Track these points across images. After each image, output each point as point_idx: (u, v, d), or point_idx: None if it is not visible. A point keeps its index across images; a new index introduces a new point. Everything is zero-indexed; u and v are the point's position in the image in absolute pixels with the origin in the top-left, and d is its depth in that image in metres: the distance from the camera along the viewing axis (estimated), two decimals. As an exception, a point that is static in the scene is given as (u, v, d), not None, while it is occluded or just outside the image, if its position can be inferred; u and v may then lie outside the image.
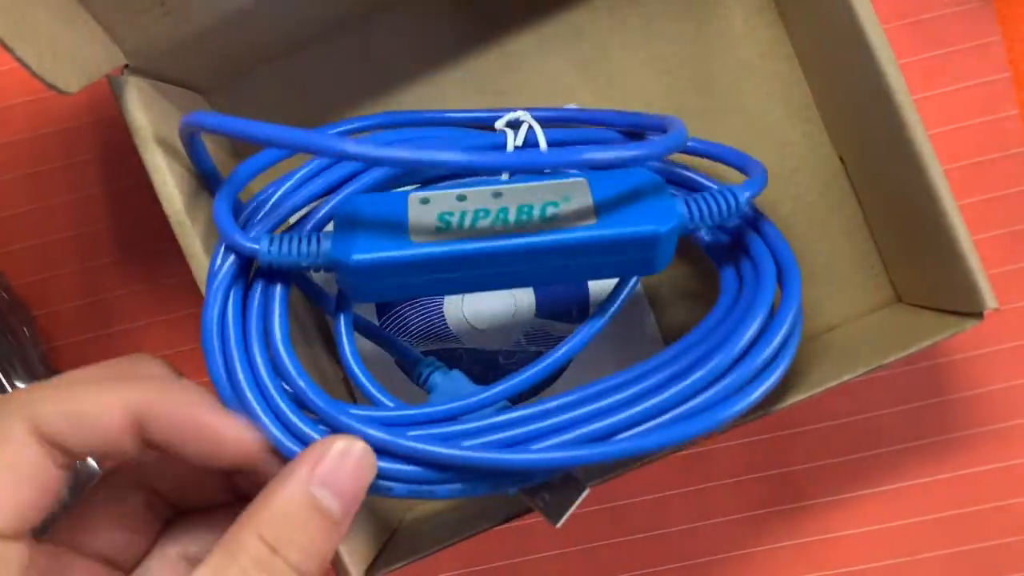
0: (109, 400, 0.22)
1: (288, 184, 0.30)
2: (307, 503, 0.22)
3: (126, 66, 0.30)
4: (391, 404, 0.28)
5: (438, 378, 0.30)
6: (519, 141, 0.33)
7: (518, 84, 0.36)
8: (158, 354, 0.29)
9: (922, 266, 0.33)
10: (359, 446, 0.24)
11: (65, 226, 0.39)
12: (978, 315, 0.30)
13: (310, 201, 0.31)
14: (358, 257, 0.26)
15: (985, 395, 0.37)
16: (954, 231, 0.29)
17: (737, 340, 0.27)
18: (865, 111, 0.32)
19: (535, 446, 0.25)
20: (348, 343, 0.29)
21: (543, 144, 0.33)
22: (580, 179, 0.28)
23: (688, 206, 0.28)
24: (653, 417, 0.26)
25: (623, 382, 0.27)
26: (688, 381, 0.26)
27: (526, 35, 0.36)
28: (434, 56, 0.36)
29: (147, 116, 0.29)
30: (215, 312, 0.27)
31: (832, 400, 0.37)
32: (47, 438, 0.22)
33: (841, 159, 0.36)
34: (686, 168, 0.33)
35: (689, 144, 0.33)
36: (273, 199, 0.30)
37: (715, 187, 0.31)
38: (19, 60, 0.23)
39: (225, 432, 0.23)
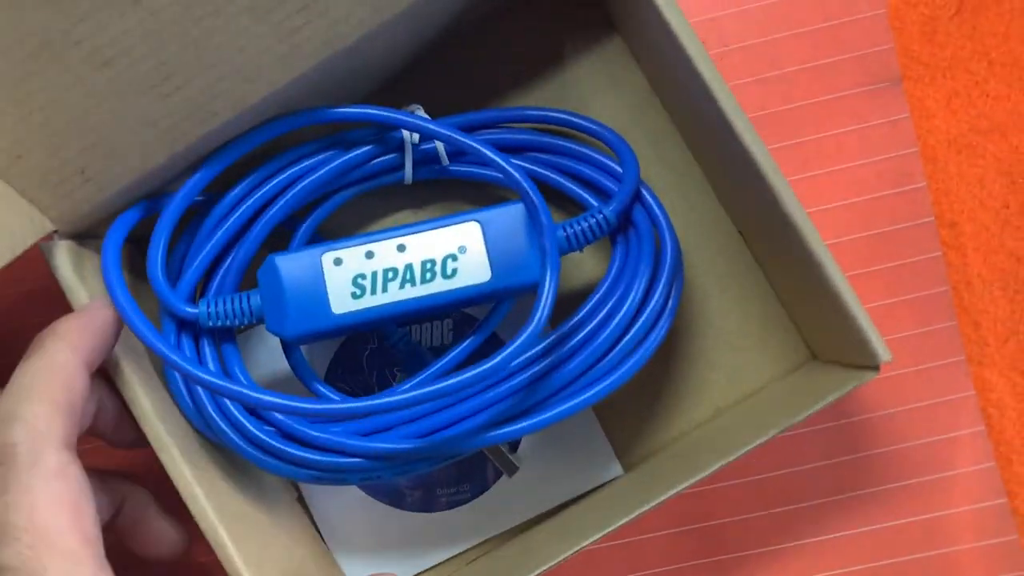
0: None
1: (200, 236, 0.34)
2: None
3: (55, 232, 0.31)
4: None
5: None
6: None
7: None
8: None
9: (825, 328, 0.35)
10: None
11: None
12: (874, 368, 0.32)
13: (224, 247, 0.33)
14: (291, 333, 0.31)
15: (903, 451, 0.39)
16: (841, 294, 0.31)
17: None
18: (743, 188, 0.34)
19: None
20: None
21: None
22: (473, 223, 0.32)
23: (567, 238, 0.33)
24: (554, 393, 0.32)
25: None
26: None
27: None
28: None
29: (79, 276, 0.31)
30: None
31: (755, 457, 0.39)
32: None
33: (740, 233, 0.39)
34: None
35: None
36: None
37: (595, 205, 0.34)
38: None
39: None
